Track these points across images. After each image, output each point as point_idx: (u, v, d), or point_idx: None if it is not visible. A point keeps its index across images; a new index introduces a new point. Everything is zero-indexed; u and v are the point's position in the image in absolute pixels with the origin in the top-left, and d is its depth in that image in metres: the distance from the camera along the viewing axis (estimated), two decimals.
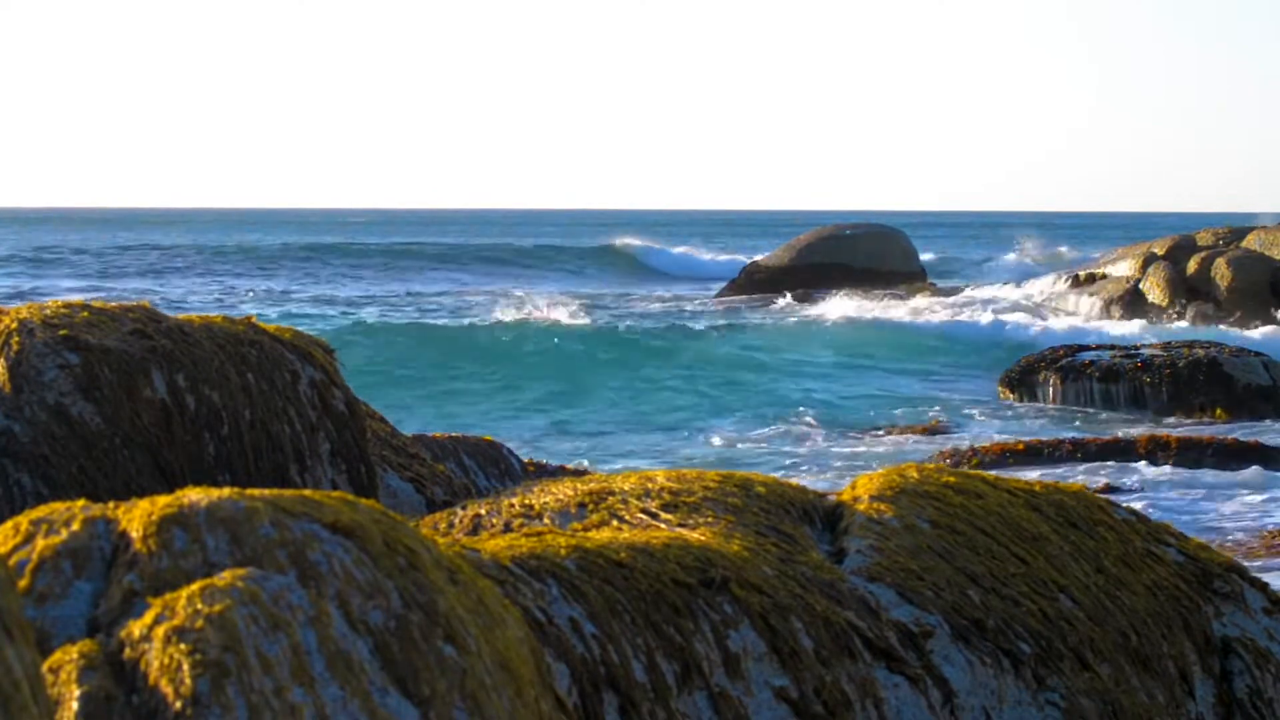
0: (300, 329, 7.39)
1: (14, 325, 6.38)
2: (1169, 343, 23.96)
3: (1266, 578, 5.79)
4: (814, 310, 36.56)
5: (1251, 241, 34.67)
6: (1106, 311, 33.60)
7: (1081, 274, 36.78)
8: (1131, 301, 33.08)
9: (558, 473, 10.66)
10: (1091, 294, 34.98)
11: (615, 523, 4.61)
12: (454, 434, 9.79)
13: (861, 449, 19.55)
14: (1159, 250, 34.50)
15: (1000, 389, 23.83)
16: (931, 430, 20.94)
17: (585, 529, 4.57)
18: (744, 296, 42.46)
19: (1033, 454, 18.17)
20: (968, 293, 39.60)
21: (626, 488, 4.82)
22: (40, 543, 2.95)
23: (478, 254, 71.57)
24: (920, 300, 37.29)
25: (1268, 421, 21.48)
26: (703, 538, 4.45)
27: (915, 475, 5.15)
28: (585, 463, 17.18)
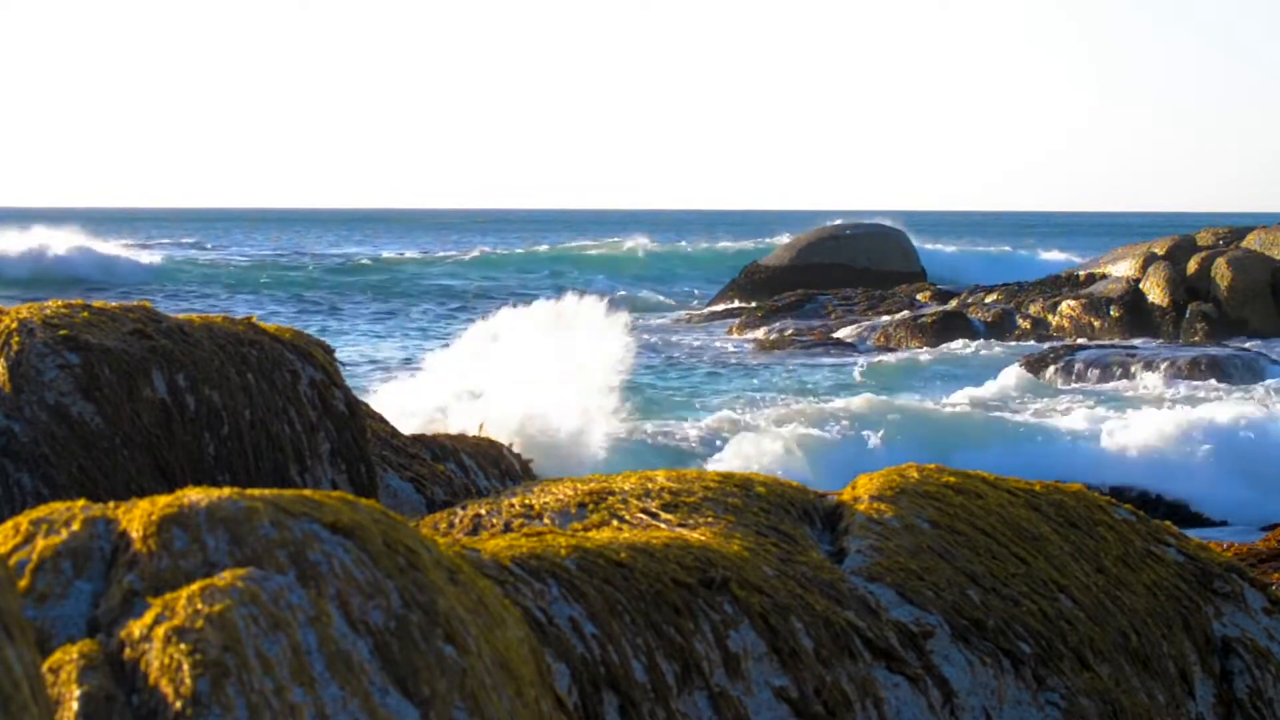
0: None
1: (14, 325, 6.38)
2: None
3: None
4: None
5: (1251, 241, 34.67)
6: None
7: (1081, 274, 36.78)
8: (1132, 302, 33.08)
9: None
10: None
11: (615, 523, 4.61)
12: (454, 434, 9.79)
13: None
14: (1159, 250, 34.49)
15: None
16: None
17: (585, 529, 4.57)
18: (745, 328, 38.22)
19: None
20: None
21: (626, 488, 4.82)
22: (40, 543, 2.95)
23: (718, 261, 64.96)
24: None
25: None
26: (703, 538, 4.45)
27: (915, 475, 5.15)
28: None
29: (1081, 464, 16.29)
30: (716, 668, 4.07)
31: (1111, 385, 24.33)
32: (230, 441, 6.48)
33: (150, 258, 59.65)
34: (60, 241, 56.82)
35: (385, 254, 74.38)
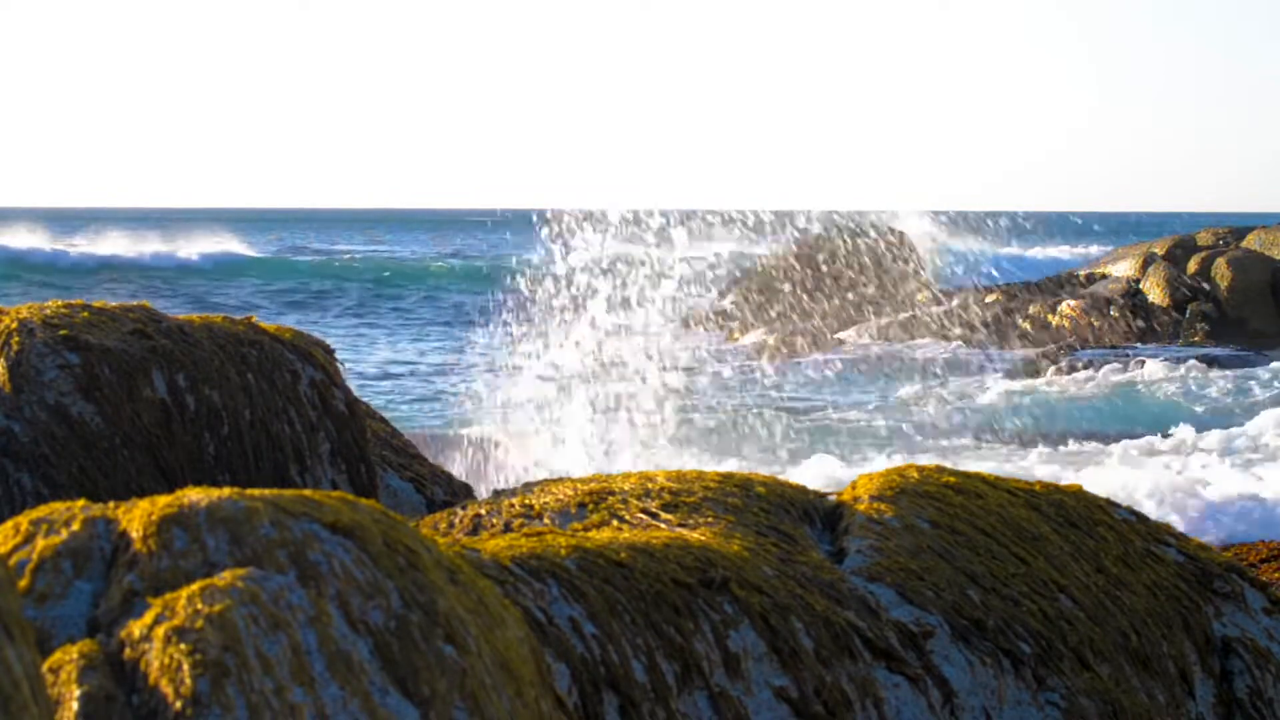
0: None
1: (14, 325, 6.38)
2: None
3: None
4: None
5: (1251, 241, 34.68)
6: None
7: (1081, 274, 36.77)
8: (1132, 302, 33.07)
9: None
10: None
11: (615, 523, 4.61)
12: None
13: None
14: (1159, 250, 34.50)
15: None
16: None
17: (585, 529, 4.57)
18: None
19: None
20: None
21: (626, 488, 4.82)
22: (40, 543, 2.95)
23: None
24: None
25: None
26: (703, 538, 4.45)
27: (915, 475, 5.15)
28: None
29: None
30: (716, 668, 4.07)
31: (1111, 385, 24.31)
32: (230, 441, 6.48)
33: (156, 252, 59.85)
34: (87, 241, 57.10)
35: (397, 252, 74.42)
